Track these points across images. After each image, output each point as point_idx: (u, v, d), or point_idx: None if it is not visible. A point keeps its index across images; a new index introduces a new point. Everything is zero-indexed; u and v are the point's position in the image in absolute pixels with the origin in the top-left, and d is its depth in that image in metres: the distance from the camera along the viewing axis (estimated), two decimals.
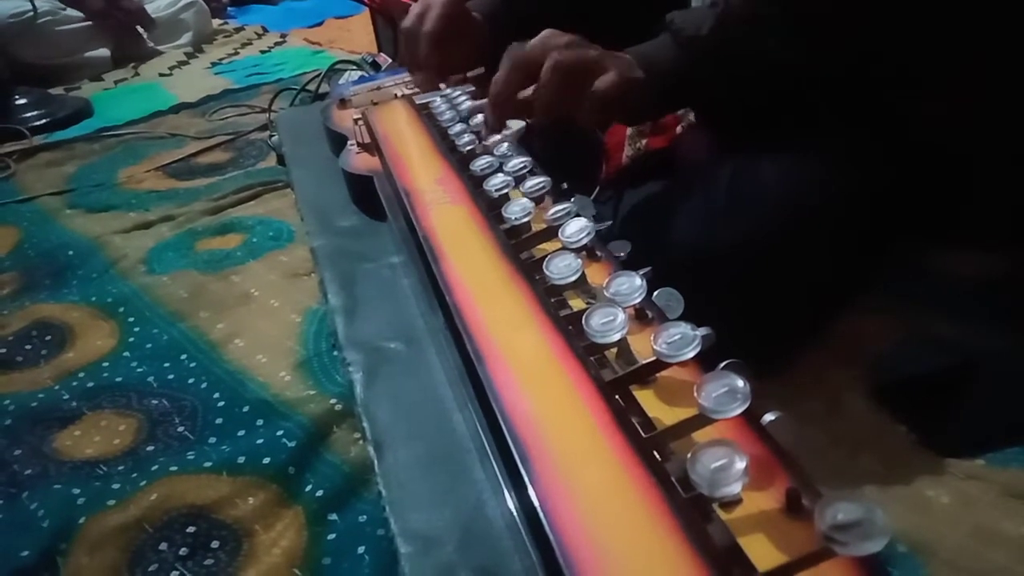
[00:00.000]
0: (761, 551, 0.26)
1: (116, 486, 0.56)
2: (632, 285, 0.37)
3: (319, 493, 0.54)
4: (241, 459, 0.57)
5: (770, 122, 0.60)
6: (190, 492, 0.55)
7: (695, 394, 0.29)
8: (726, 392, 0.28)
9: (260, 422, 0.62)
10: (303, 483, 0.55)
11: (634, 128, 0.76)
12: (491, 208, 0.51)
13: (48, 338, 0.77)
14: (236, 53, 2.01)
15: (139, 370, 0.70)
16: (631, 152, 0.76)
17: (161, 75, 1.84)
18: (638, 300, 0.37)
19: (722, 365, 0.30)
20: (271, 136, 1.19)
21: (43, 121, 1.47)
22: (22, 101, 1.53)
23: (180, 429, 0.62)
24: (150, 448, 0.60)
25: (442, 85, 0.75)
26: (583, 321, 0.36)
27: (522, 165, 0.53)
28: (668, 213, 0.61)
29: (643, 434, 0.31)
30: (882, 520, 0.22)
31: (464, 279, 0.44)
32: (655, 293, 0.37)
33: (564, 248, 0.42)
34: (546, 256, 0.42)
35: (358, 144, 0.76)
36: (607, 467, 0.30)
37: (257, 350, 0.71)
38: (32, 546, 0.52)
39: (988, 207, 0.59)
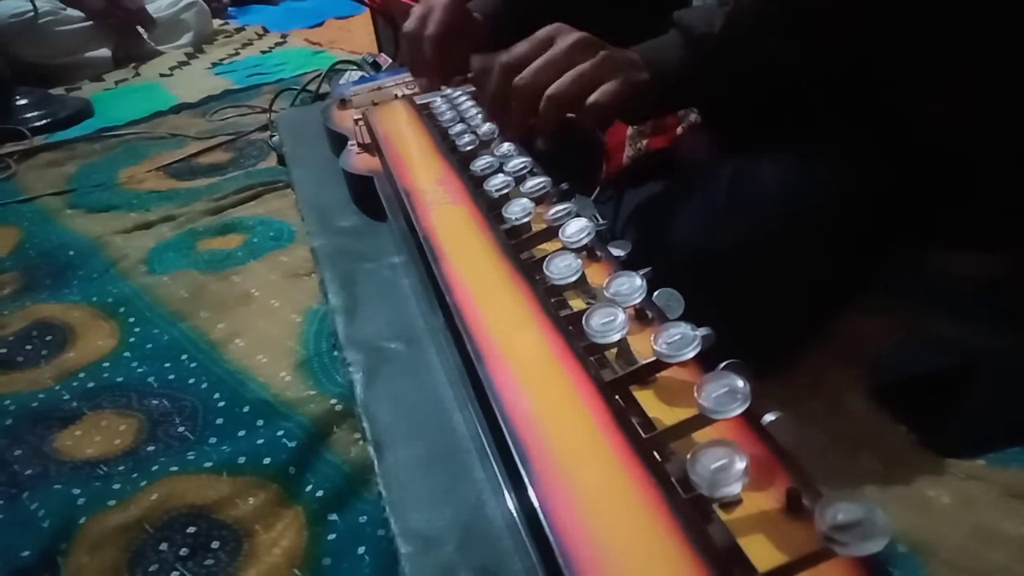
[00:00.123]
0: (761, 551, 0.26)
1: (116, 486, 0.56)
2: (632, 285, 0.37)
3: (319, 493, 0.54)
4: (241, 459, 0.57)
5: (770, 122, 0.60)
6: (190, 492, 0.55)
7: (695, 394, 0.29)
8: (726, 392, 0.28)
9: (260, 422, 0.62)
10: (303, 483, 0.55)
11: (635, 128, 0.76)
12: (491, 208, 0.51)
13: (49, 338, 0.77)
14: (237, 53, 2.01)
15: (139, 370, 0.70)
16: (632, 152, 0.76)
17: (162, 75, 1.84)
18: (638, 300, 0.37)
19: (722, 365, 0.30)
20: (272, 136, 1.19)
21: (44, 121, 1.47)
22: (23, 101, 1.53)
23: (180, 429, 0.62)
24: (150, 448, 0.60)
25: (444, 86, 0.76)
26: (583, 321, 0.36)
27: (522, 165, 0.53)
28: (668, 213, 0.61)
29: (643, 434, 0.31)
30: (882, 520, 0.22)
31: (464, 279, 0.44)
32: (655, 293, 0.38)
33: (564, 248, 0.42)
34: (546, 256, 0.42)
35: (358, 144, 0.76)
36: (607, 467, 0.30)
37: (257, 350, 0.71)
38: (32, 546, 0.52)
39: (988, 207, 0.59)
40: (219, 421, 0.63)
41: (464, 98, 0.69)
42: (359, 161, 0.74)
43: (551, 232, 0.45)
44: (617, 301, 0.36)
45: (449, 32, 0.71)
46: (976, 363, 0.55)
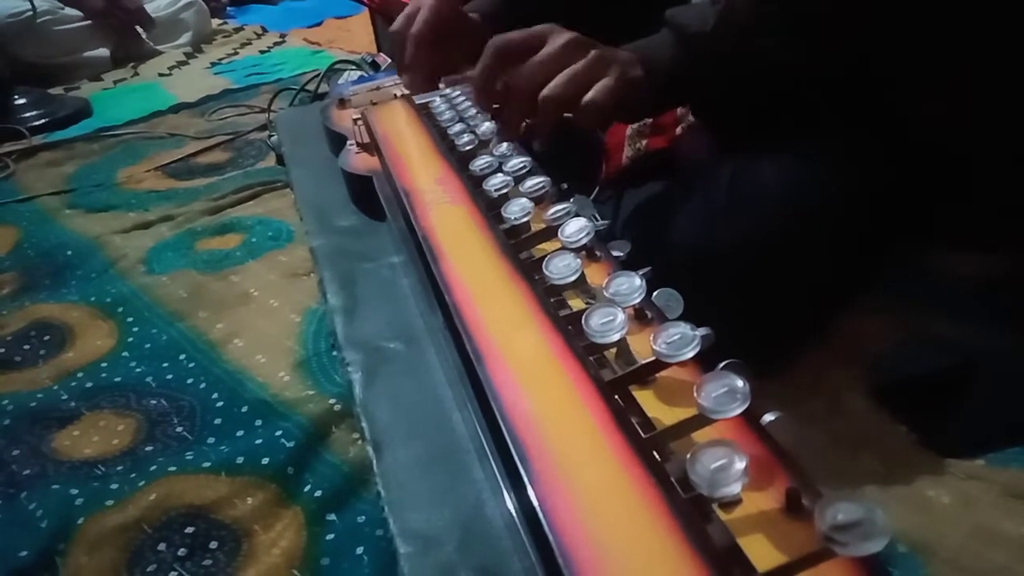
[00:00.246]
0: (761, 551, 0.26)
1: (115, 486, 0.56)
2: (632, 285, 0.37)
3: (318, 493, 0.54)
4: (240, 459, 0.57)
5: (770, 122, 0.60)
6: (189, 492, 0.55)
7: (695, 394, 0.29)
8: (726, 392, 0.28)
9: (259, 422, 0.61)
10: (302, 483, 0.55)
11: (634, 128, 0.76)
12: (490, 208, 0.51)
13: (47, 338, 0.77)
14: (235, 53, 2.02)
15: (138, 370, 0.70)
16: (631, 152, 0.76)
17: (160, 75, 1.84)
18: (638, 300, 0.37)
19: (722, 365, 0.30)
20: (270, 136, 1.19)
21: (42, 121, 1.48)
22: (21, 101, 1.53)
23: (179, 429, 0.62)
24: (149, 448, 0.60)
25: (441, 85, 0.75)
26: (582, 321, 0.35)
27: (521, 165, 0.53)
28: (668, 213, 0.61)
29: (642, 434, 0.31)
30: (882, 520, 0.22)
31: (463, 279, 0.44)
32: (655, 293, 0.37)
33: (564, 248, 0.42)
34: (545, 256, 0.42)
35: (357, 144, 0.76)
36: (606, 467, 0.30)
37: (256, 350, 0.70)
38: (31, 546, 0.52)
39: (988, 207, 0.59)
40: (217, 421, 0.62)
41: (463, 98, 0.68)
42: (358, 161, 0.74)
43: (550, 232, 0.45)
44: (616, 301, 0.36)
45: (434, 31, 0.71)
46: (976, 363, 0.55)
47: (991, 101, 0.54)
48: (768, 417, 0.29)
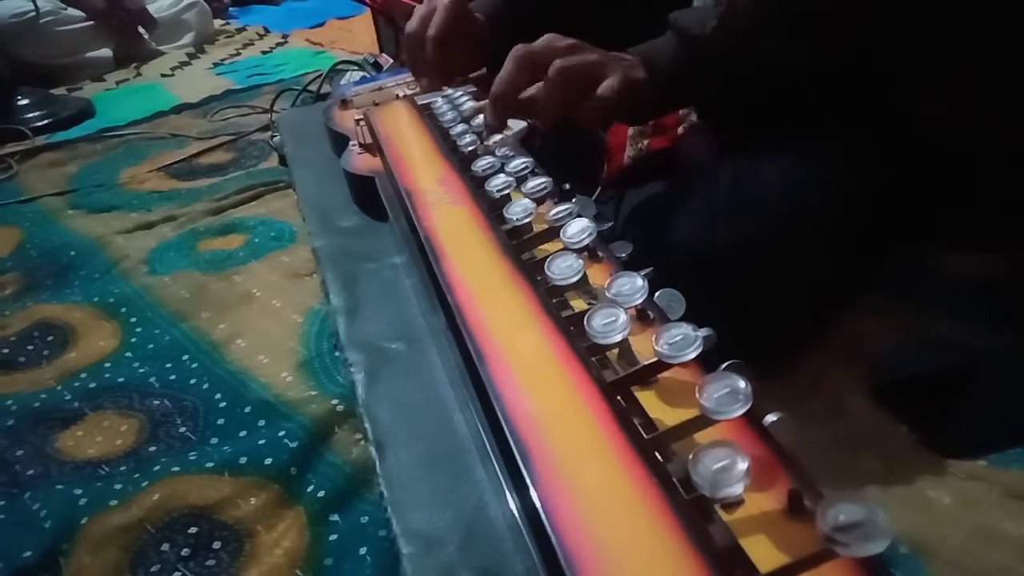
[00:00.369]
0: (763, 552, 0.26)
1: (118, 486, 0.56)
2: (634, 286, 0.37)
3: (321, 494, 0.54)
4: (243, 459, 0.57)
5: (770, 122, 0.60)
6: (192, 492, 0.55)
7: (697, 395, 0.29)
8: (728, 393, 0.28)
9: (262, 423, 0.62)
10: (305, 484, 0.55)
11: (636, 129, 0.77)
12: (492, 208, 0.51)
13: (50, 338, 0.77)
14: (238, 53, 2.02)
15: (141, 370, 0.70)
16: (633, 152, 0.76)
17: (163, 75, 1.84)
18: (640, 301, 0.37)
19: (724, 366, 0.30)
20: (273, 136, 1.19)
21: (45, 121, 1.48)
22: (24, 101, 1.53)
23: (182, 430, 0.62)
24: (152, 448, 0.61)
25: (445, 87, 0.76)
26: (584, 322, 0.36)
27: (523, 166, 0.53)
28: (669, 213, 0.61)
29: (645, 435, 0.31)
30: (884, 521, 0.22)
31: (465, 279, 0.44)
32: (657, 294, 0.38)
33: (565, 249, 0.42)
34: (547, 257, 0.42)
35: (360, 144, 0.76)
36: (608, 468, 0.30)
37: (259, 350, 0.71)
38: (34, 546, 0.52)
39: (988, 207, 0.59)
40: (220, 421, 0.63)
41: (465, 98, 0.69)
42: (360, 161, 0.74)
43: (552, 232, 0.45)
44: (618, 302, 0.36)
45: (450, 33, 0.71)
46: (977, 363, 0.55)
47: (991, 101, 0.54)
48: (770, 418, 0.30)
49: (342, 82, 1.15)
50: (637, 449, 0.30)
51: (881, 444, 0.55)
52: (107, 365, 0.72)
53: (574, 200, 0.46)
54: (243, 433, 0.61)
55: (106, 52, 1.91)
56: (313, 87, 1.33)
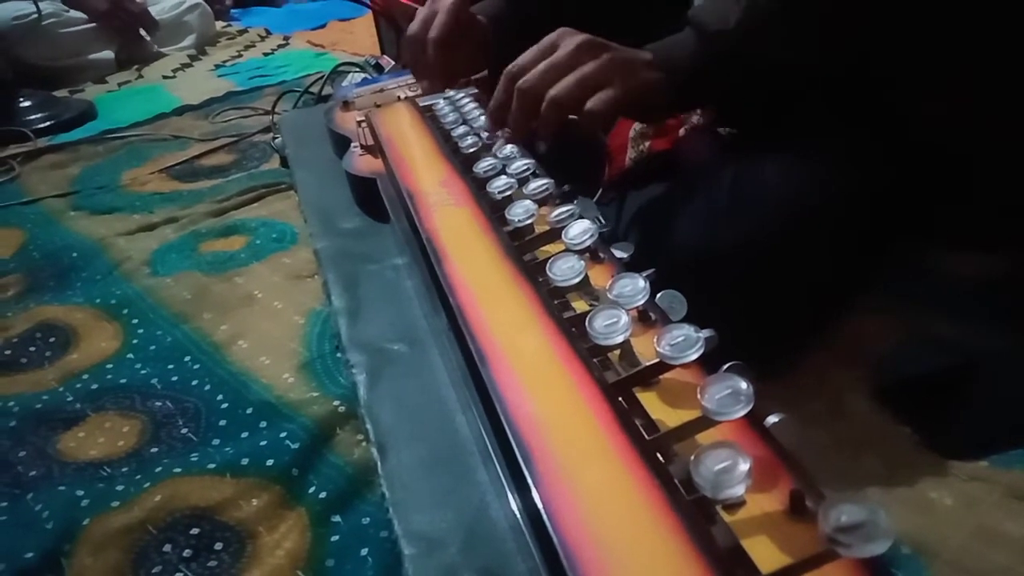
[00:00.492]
0: (764, 553, 0.26)
1: (120, 487, 0.56)
2: (635, 287, 0.37)
3: (322, 495, 0.54)
4: (244, 461, 0.57)
5: (771, 122, 0.60)
6: (194, 494, 0.55)
7: (698, 396, 0.29)
8: (729, 394, 0.28)
9: (263, 424, 0.62)
10: (306, 485, 0.55)
11: (637, 130, 0.77)
12: (494, 210, 0.51)
13: (52, 340, 0.78)
14: (239, 55, 2.02)
15: (143, 372, 0.70)
16: (634, 154, 0.76)
17: (165, 77, 1.84)
18: (641, 302, 0.37)
19: (725, 367, 0.30)
20: (274, 138, 1.19)
21: (47, 123, 1.48)
22: (26, 103, 1.53)
23: (184, 431, 0.62)
24: (154, 450, 0.61)
25: (447, 89, 0.76)
26: (586, 323, 0.36)
27: (525, 167, 0.53)
28: (671, 215, 0.61)
29: (646, 436, 0.31)
30: (885, 522, 0.22)
31: (467, 281, 0.44)
32: (658, 295, 0.38)
33: (567, 250, 0.42)
34: (549, 258, 0.42)
35: (361, 146, 0.76)
36: (610, 469, 0.30)
37: (260, 352, 0.71)
38: (36, 547, 0.52)
39: (988, 207, 0.59)
40: (222, 423, 0.63)
41: (467, 100, 0.69)
42: (362, 163, 0.75)
43: (554, 234, 0.46)
44: (620, 303, 0.36)
45: (452, 35, 0.72)
46: (977, 363, 0.55)
47: (991, 101, 0.54)
48: (771, 419, 0.30)
49: (344, 84, 1.16)
50: (639, 450, 0.30)
51: (882, 445, 0.55)
52: (109, 366, 0.72)
53: (576, 202, 0.47)
54: (245, 434, 0.61)
55: (108, 54, 1.92)
56: (315, 89, 1.33)
